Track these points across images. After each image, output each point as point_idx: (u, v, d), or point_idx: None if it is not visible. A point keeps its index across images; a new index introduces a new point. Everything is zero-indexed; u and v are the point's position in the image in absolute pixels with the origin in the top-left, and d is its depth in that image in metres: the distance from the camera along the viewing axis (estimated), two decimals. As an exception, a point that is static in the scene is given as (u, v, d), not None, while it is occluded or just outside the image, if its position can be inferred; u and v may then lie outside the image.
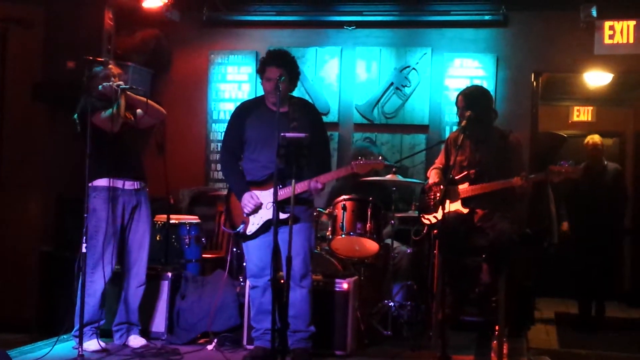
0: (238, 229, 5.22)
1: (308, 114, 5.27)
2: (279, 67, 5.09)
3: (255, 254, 5.23)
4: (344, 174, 5.25)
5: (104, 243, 5.39)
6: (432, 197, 5.86)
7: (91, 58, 5.42)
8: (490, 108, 5.78)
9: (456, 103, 5.81)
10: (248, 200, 5.12)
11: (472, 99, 5.64)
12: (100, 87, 5.36)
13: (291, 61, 5.19)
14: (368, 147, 7.37)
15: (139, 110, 5.60)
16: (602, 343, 6.61)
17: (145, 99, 5.58)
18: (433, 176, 5.93)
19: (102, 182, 5.42)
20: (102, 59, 5.58)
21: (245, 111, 5.32)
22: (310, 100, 7.56)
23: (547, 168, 5.29)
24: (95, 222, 5.37)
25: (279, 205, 4.83)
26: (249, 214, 5.15)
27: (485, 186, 5.46)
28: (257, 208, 5.12)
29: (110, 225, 5.43)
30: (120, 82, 5.40)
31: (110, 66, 5.52)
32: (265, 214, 5.12)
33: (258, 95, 7.84)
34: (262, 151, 5.14)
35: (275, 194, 4.70)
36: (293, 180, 4.72)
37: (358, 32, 8.00)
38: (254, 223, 5.17)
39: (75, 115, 5.39)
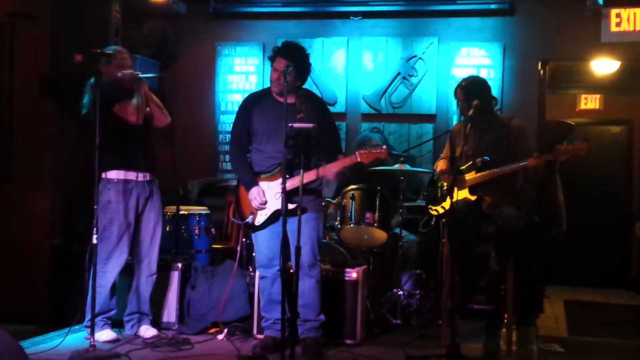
0: (247, 220, 5.25)
1: (315, 105, 5.29)
2: (288, 59, 5.11)
3: (264, 244, 5.26)
4: (349, 163, 5.26)
5: (118, 234, 5.43)
6: (440, 187, 5.87)
7: (99, 51, 5.43)
8: (490, 97, 5.78)
9: (455, 96, 5.81)
10: (255, 195, 5.14)
11: (471, 90, 5.64)
12: (119, 74, 5.38)
13: (302, 55, 5.21)
14: (372, 137, 7.39)
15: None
16: (610, 331, 6.61)
17: (158, 101, 5.62)
18: (440, 166, 5.94)
19: (115, 174, 5.45)
20: (110, 52, 5.59)
21: (252, 103, 5.35)
22: (317, 91, 7.62)
23: (554, 148, 5.28)
24: (109, 214, 5.40)
25: (288, 195, 4.86)
26: (257, 208, 5.17)
27: (497, 171, 5.45)
28: (264, 203, 5.15)
29: (125, 217, 5.46)
30: (139, 72, 5.45)
31: (124, 55, 5.54)
32: (274, 204, 5.15)
33: (265, 86, 7.90)
34: (268, 142, 5.17)
35: (284, 184, 4.71)
36: (302, 171, 4.73)
37: (364, 23, 8.01)
38: (263, 214, 5.19)
39: (85, 100, 5.39)
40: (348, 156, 5.23)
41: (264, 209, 5.17)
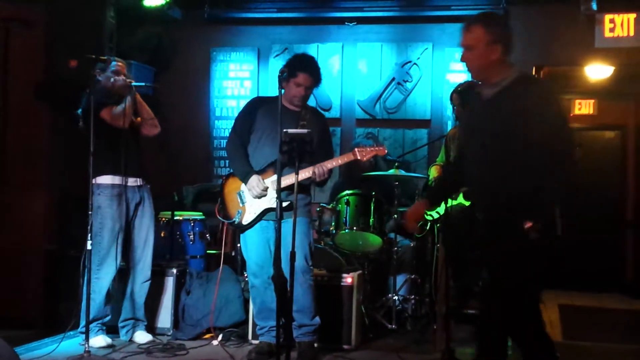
0: (234, 219, 5.25)
1: (318, 120, 5.34)
2: (314, 78, 5.17)
3: (254, 251, 5.26)
4: (347, 160, 5.26)
5: (109, 240, 5.43)
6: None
7: (94, 56, 5.44)
8: None
9: (451, 101, 5.83)
10: (255, 184, 5.13)
11: (467, 95, 5.65)
12: (112, 79, 5.39)
13: (320, 74, 5.25)
14: (365, 143, 7.43)
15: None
16: (605, 335, 6.62)
17: (149, 110, 5.64)
18: (433, 172, 5.95)
19: (106, 179, 5.45)
20: (105, 57, 5.61)
21: (259, 103, 5.39)
22: (312, 97, 7.63)
23: None
24: (100, 219, 5.40)
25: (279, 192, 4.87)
26: (256, 197, 5.16)
27: None
28: (263, 193, 5.14)
29: (116, 222, 5.46)
30: (132, 80, 5.47)
31: (119, 62, 5.56)
32: (264, 202, 5.15)
33: (260, 91, 7.95)
34: (266, 142, 5.18)
35: (279, 183, 4.68)
36: (297, 176, 4.73)
37: (359, 28, 8.03)
38: (251, 212, 5.19)
39: (79, 110, 5.42)
40: (342, 155, 5.26)
41: (265, 195, 5.16)
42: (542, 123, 3.62)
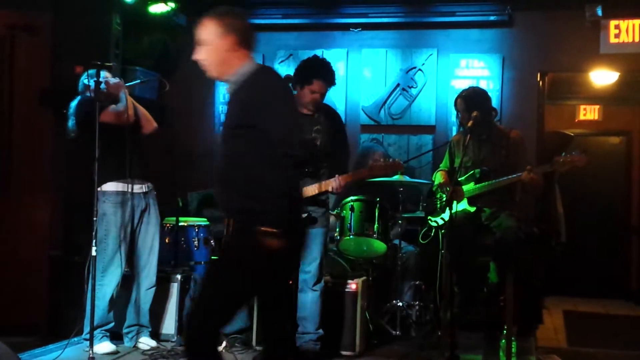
0: None
1: (333, 121, 5.33)
2: (327, 83, 5.19)
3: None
4: (362, 176, 5.25)
5: (114, 247, 5.43)
6: (439, 199, 5.88)
7: (99, 63, 5.45)
8: (490, 107, 5.81)
9: (455, 106, 5.84)
10: None
11: (472, 101, 5.66)
12: (102, 85, 5.40)
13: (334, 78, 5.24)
14: (373, 146, 7.41)
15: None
16: (610, 342, 6.60)
17: (142, 108, 5.66)
18: (438, 178, 5.95)
19: (110, 186, 5.46)
20: (110, 64, 5.62)
21: None
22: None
23: (552, 159, 5.30)
24: (105, 226, 5.40)
25: None
26: None
27: (493, 184, 5.48)
28: None
29: (121, 229, 5.47)
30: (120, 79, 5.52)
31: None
32: None
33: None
34: None
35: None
36: (303, 188, 4.73)
37: (364, 34, 8.02)
38: None
39: (71, 124, 5.43)
40: (358, 170, 5.25)
41: None
42: (267, 120, 3.45)
